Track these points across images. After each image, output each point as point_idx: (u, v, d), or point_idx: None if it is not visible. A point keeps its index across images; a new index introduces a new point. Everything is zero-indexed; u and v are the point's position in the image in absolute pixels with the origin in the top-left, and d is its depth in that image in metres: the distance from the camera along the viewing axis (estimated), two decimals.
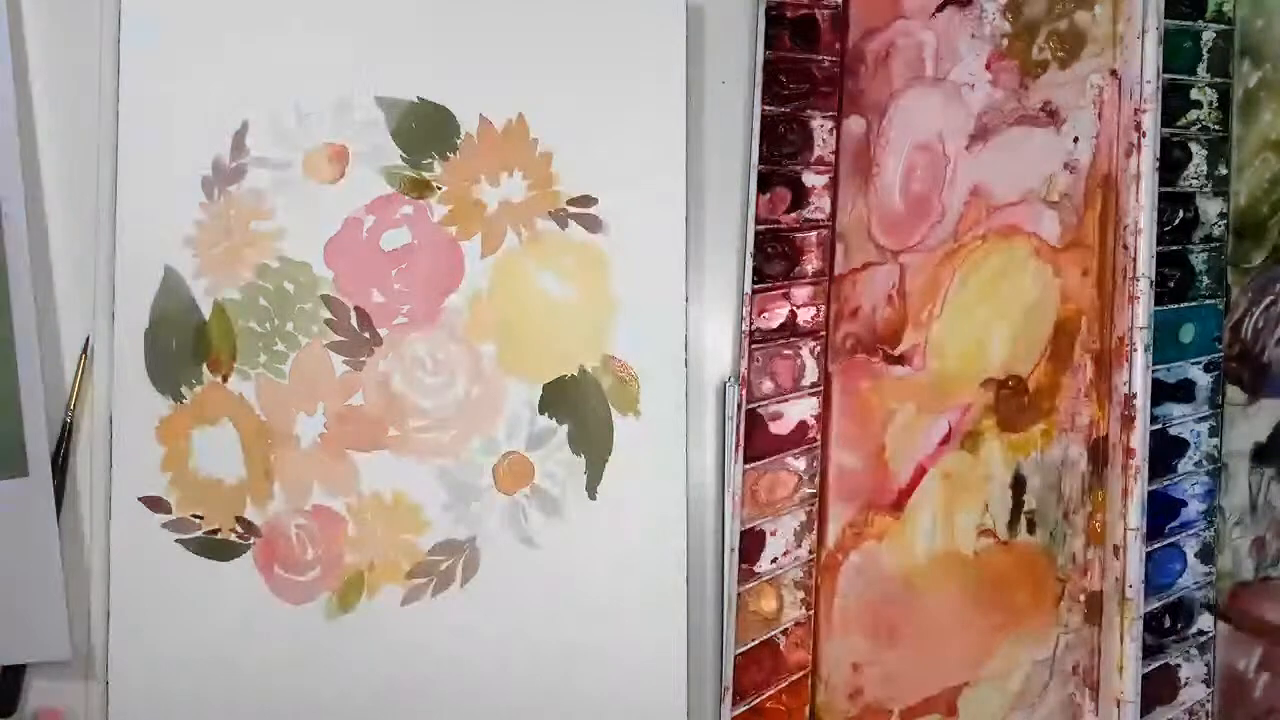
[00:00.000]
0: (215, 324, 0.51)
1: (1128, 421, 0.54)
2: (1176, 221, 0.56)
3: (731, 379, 0.54)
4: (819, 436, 0.54)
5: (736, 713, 0.52)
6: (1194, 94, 0.56)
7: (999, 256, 0.55)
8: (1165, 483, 0.56)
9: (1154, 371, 0.54)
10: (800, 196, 0.54)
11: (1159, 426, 0.55)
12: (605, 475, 0.52)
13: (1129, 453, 0.54)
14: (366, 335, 0.51)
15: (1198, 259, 0.57)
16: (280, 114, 0.51)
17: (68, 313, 0.51)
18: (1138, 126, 0.54)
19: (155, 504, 0.50)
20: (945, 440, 0.55)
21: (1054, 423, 0.56)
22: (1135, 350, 0.54)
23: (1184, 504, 0.57)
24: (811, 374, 0.54)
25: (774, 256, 0.54)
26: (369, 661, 0.51)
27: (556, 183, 0.52)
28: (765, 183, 0.54)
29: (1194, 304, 0.56)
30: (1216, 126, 0.56)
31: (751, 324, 0.53)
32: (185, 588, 0.50)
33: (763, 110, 0.53)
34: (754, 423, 0.53)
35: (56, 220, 0.51)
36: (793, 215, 0.54)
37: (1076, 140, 0.56)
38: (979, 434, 0.55)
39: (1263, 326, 0.57)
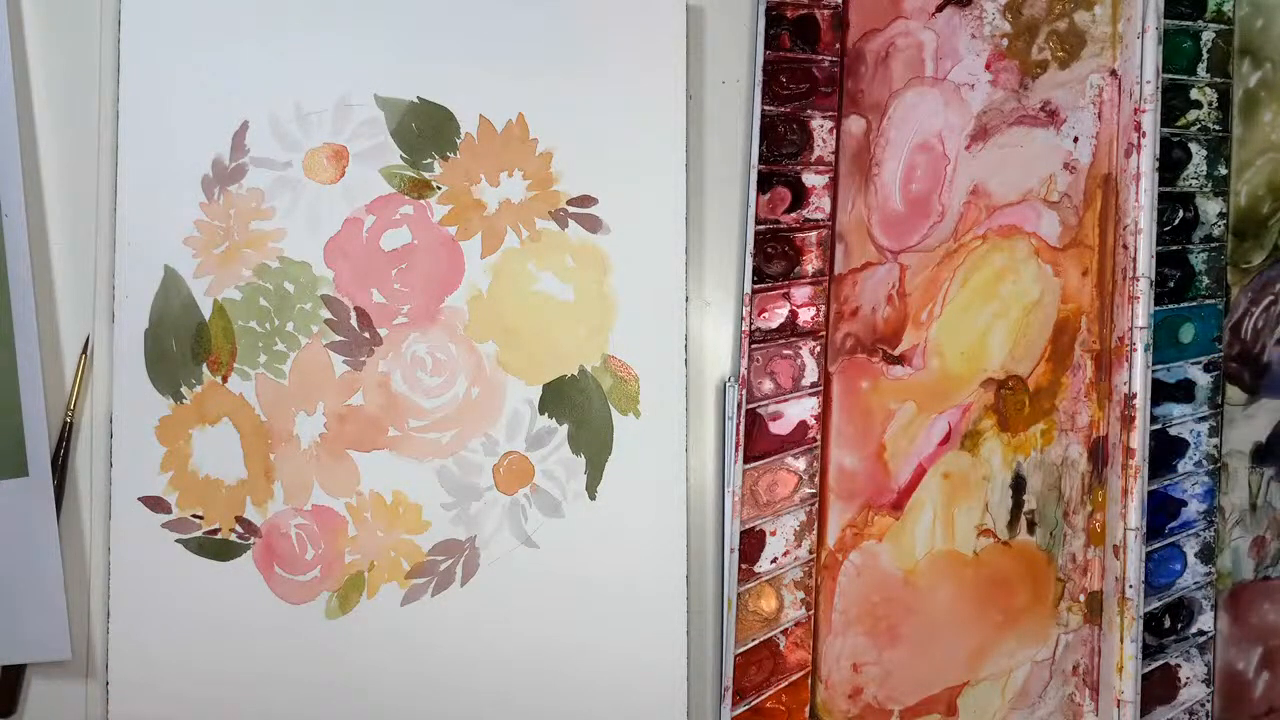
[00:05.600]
0: (215, 324, 0.51)
1: (1128, 421, 0.54)
2: (1176, 221, 0.56)
3: (731, 379, 0.54)
4: (819, 436, 0.54)
5: (736, 713, 0.52)
6: (1194, 94, 0.56)
7: (999, 256, 0.55)
8: (1165, 483, 0.56)
9: (1154, 371, 0.54)
10: (800, 196, 0.54)
11: (1159, 426, 0.56)
12: (605, 475, 0.52)
13: (1129, 453, 0.54)
14: (366, 335, 0.51)
15: (1198, 259, 0.57)
16: (280, 114, 0.51)
17: (68, 313, 0.51)
18: (1138, 126, 0.54)
19: (155, 504, 0.50)
20: (945, 440, 0.55)
21: (1054, 423, 0.56)
22: (1135, 350, 0.54)
23: (1184, 504, 0.57)
24: (811, 374, 0.54)
25: (774, 256, 0.54)
26: (369, 662, 0.51)
27: (556, 183, 0.53)
28: (765, 183, 0.54)
29: (1194, 304, 0.56)
30: (1216, 126, 0.56)
31: (751, 324, 0.53)
32: (185, 588, 0.50)
33: (763, 110, 0.53)
34: (754, 423, 0.53)
35: (56, 220, 0.51)
36: (793, 215, 0.54)
37: (1076, 140, 0.56)
38: (979, 434, 0.55)
39: (1263, 326, 0.57)
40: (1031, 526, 0.56)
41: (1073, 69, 0.56)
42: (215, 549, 0.50)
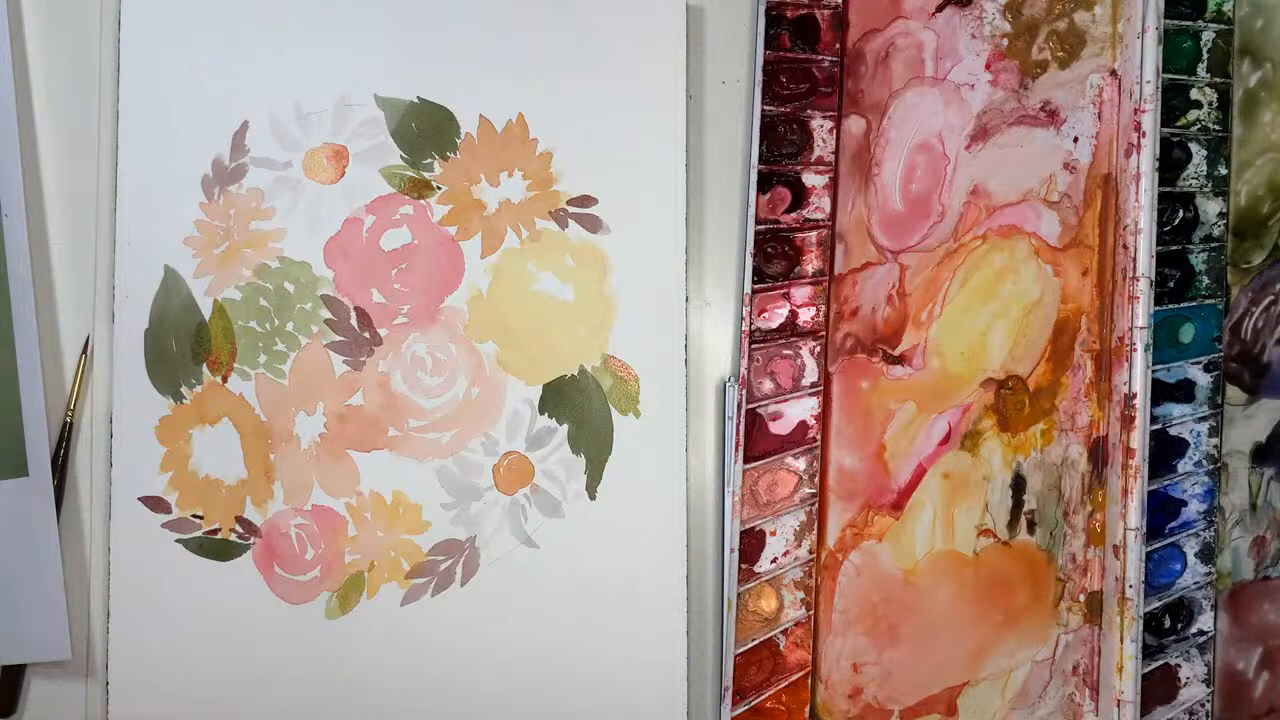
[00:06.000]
0: (215, 324, 0.51)
1: (1128, 421, 0.54)
2: (1176, 221, 0.56)
3: (731, 379, 0.54)
4: (819, 436, 0.54)
5: (736, 713, 0.52)
6: (1194, 94, 0.56)
7: (999, 256, 0.55)
8: (1165, 483, 0.56)
9: (1154, 371, 0.54)
10: (800, 196, 0.54)
11: (1159, 426, 0.56)
12: (605, 475, 0.52)
13: (1129, 453, 0.54)
14: (366, 335, 0.51)
15: (1198, 259, 0.57)
16: (280, 114, 0.51)
17: (68, 313, 0.51)
18: (1138, 126, 0.54)
19: (155, 504, 0.50)
20: (945, 440, 0.55)
21: (1054, 423, 0.56)
22: (1135, 350, 0.54)
23: (1184, 504, 0.57)
24: (811, 374, 0.54)
25: (774, 256, 0.54)
26: (369, 662, 0.51)
27: (556, 183, 0.53)
28: (765, 183, 0.54)
29: (1194, 304, 0.56)
30: (1216, 126, 0.56)
31: (751, 324, 0.53)
32: (185, 588, 0.50)
33: (763, 110, 0.53)
34: (754, 423, 0.53)
35: (56, 220, 0.51)
36: (793, 215, 0.54)
37: (1076, 140, 0.56)
38: (979, 434, 0.55)
39: (1263, 326, 0.57)
40: (1031, 526, 0.56)
41: (1073, 69, 0.56)
42: (215, 549, 0.50)
